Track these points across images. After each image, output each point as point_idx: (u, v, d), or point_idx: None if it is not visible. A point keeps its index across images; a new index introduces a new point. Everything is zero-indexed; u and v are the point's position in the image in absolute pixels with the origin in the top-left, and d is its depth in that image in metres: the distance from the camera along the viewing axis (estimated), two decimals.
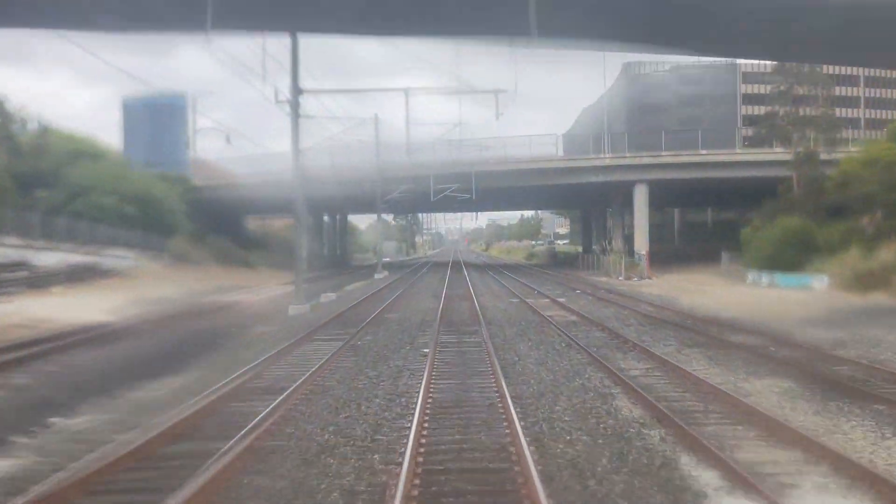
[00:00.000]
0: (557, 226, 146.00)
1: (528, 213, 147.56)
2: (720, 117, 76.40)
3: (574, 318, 21.05)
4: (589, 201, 61.42)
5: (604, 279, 42.20)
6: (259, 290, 32.40)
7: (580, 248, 74.86)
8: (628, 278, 41.57)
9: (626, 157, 45.56)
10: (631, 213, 52.55)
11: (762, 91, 73.71)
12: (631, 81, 78.25)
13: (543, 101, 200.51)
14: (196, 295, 28.26)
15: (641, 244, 45.45)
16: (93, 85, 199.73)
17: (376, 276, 46.49)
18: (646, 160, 44.97)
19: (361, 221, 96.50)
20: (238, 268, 47.57)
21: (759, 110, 69.21)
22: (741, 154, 44.82)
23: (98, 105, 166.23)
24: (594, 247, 50.20)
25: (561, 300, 27.05)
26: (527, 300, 26.87)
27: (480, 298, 27.54)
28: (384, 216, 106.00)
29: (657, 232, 56.01)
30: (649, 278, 41.27)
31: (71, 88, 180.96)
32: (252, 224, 69.10)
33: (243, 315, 22.19)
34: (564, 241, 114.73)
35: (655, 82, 77.46)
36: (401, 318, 21.16)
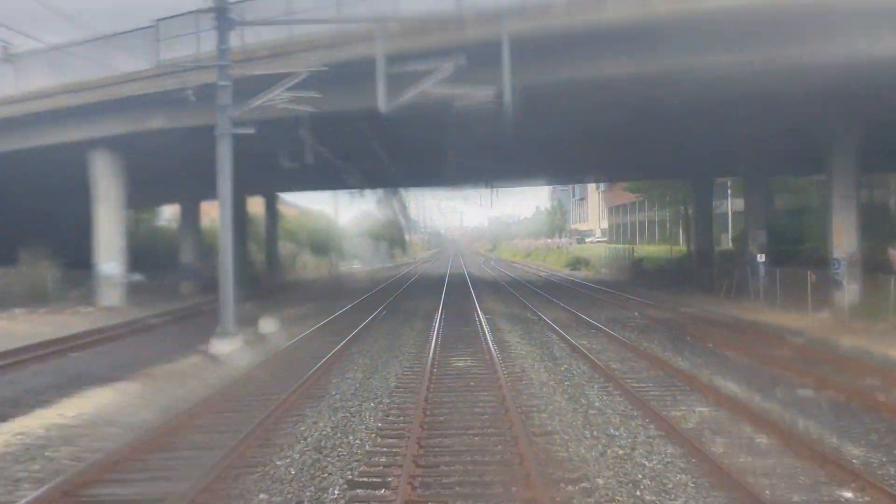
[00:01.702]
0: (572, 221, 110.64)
1: (543, 207, 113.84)
2: None
3: None
4: (719, 158, 29.82)
5: None
6: None
7: (667, 251, 42.54)
8: None
9: None
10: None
11: None
12: None
13: None
14: None
15: None
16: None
17: (215, 347, 14.79)
18: None
19: (344, 213, 66.12)
20: None
21: None
22: None
23: None
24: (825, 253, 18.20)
25: None
26: None
27: None
28: (353, 198, 71.68)
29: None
30: None
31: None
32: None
33: None
34: (589, 239, 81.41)
35: None
36: None
